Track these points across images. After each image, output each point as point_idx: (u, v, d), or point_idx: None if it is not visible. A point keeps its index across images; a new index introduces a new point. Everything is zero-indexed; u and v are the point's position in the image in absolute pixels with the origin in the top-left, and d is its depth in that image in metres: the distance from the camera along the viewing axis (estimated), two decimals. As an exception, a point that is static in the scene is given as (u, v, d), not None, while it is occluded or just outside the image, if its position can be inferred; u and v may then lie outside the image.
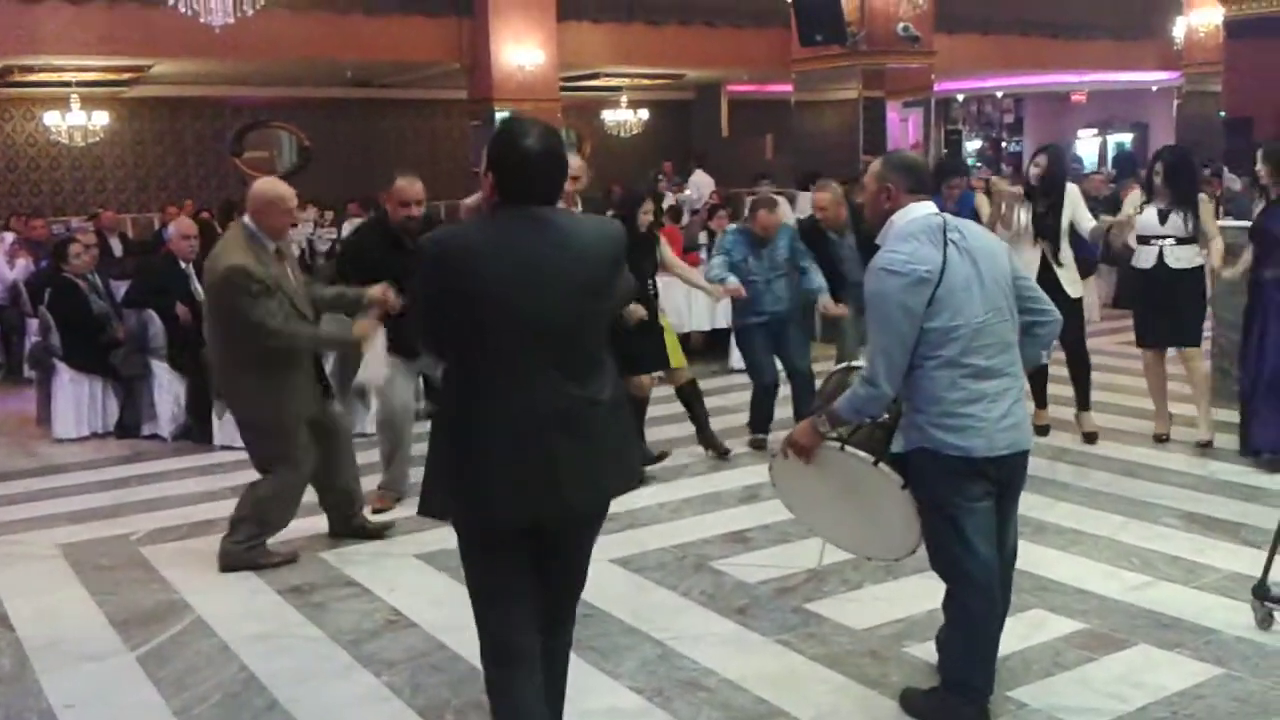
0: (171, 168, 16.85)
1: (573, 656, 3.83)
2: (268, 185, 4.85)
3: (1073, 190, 6.32)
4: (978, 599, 3.27)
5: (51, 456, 7.08)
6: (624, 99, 18.58)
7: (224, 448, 6.95)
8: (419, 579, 4.74)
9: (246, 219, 4.77)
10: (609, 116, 18.75)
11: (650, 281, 6.20)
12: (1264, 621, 3.91)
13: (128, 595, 4.63)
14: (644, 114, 18.75)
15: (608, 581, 4.56)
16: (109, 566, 4.99)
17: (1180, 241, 6.12)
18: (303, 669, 3.91)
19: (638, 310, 5.75)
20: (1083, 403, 6.55)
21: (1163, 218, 6.14)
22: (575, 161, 5.83)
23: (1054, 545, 4.84)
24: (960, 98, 24.26)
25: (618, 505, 5.47)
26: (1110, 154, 23.59)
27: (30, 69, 14.09)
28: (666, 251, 6.47)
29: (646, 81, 17.94)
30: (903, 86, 11.31)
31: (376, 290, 4.86)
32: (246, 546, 4.86)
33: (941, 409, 3.15)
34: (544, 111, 15.35)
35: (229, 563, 4.84)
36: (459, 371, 2.75)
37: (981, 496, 3.23)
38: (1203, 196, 6.29)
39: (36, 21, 12.55)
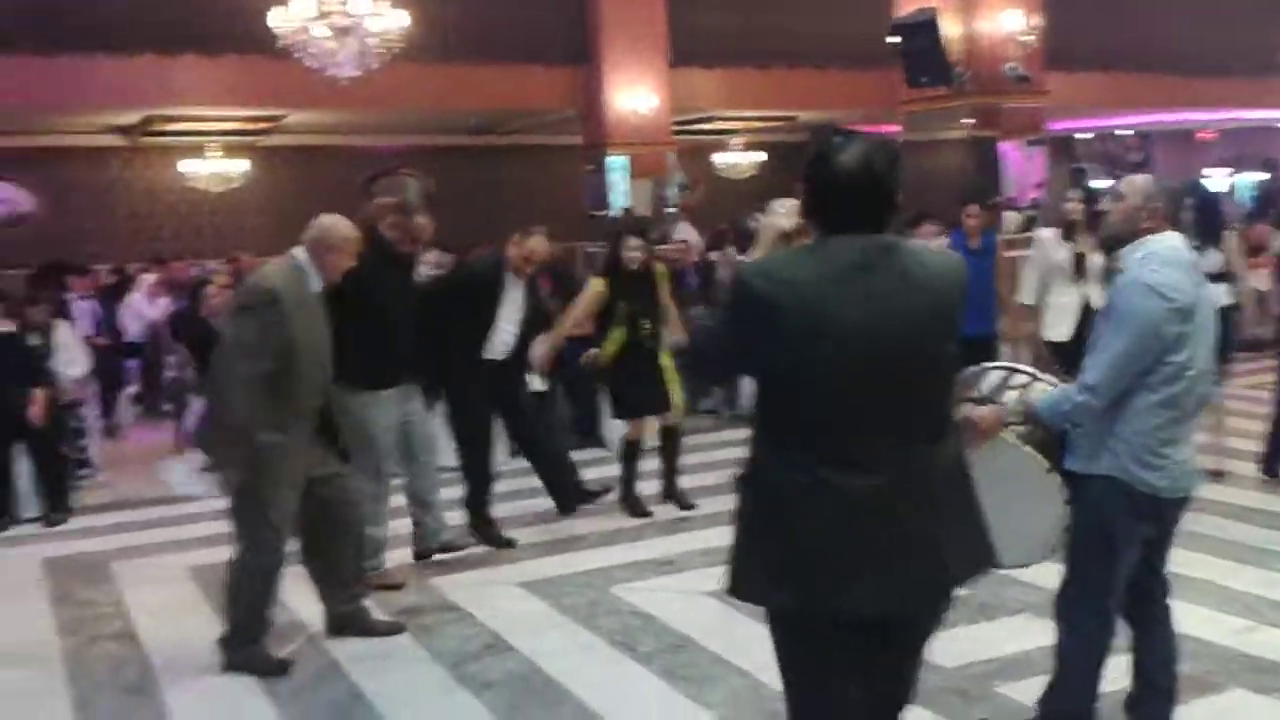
0: (305, 213, 17.57)
1: (661, 682, 3.97)
2: (341, 222, 4.46)
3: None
4: (1103, 633, 3.28)
5: (186, 485, 7.47)
6: (737, 142, 18.77)
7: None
8: (520, 606, 4.91)
9: (300, 250, 4.35)
10: (722, 159, 18.95)
11: (645, 320, 6.10)
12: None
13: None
14: (757, 156, 18.90)
15: (700, 613, 4.68)
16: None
17: (1210, 279, 6.06)
18: (407, 688, 4.10)
19: (594, 356, 5.95)
20: None
21: None
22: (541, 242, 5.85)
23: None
24: (1084, 136, 23.85)
25: (713, 540, 5.66)
26: (1240, 192, 22.89)
27: (170, 119, 14.93)
28: (663, 294, 6.29)
29: (759, 124, 18.11)
30: (1015, 126, 11.24)
31: None
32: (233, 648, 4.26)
33: (1145, 444, 3.12)
34: (656, 155, 15.71)
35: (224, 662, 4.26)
36: (776, 425, 2.38)
37: (1145, 538, 3.23)
38: (1231, 234, 6.28)
39: (174, 74, 13.33)
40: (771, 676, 4.01)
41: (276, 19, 10.65)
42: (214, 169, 16.22)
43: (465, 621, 4.73)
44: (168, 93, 13.56)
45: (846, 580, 2.28)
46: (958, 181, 10.36)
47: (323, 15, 10.50)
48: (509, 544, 5.70)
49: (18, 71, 12.51)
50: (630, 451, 6.30)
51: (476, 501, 5.74)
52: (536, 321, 5.97)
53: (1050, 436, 3.28)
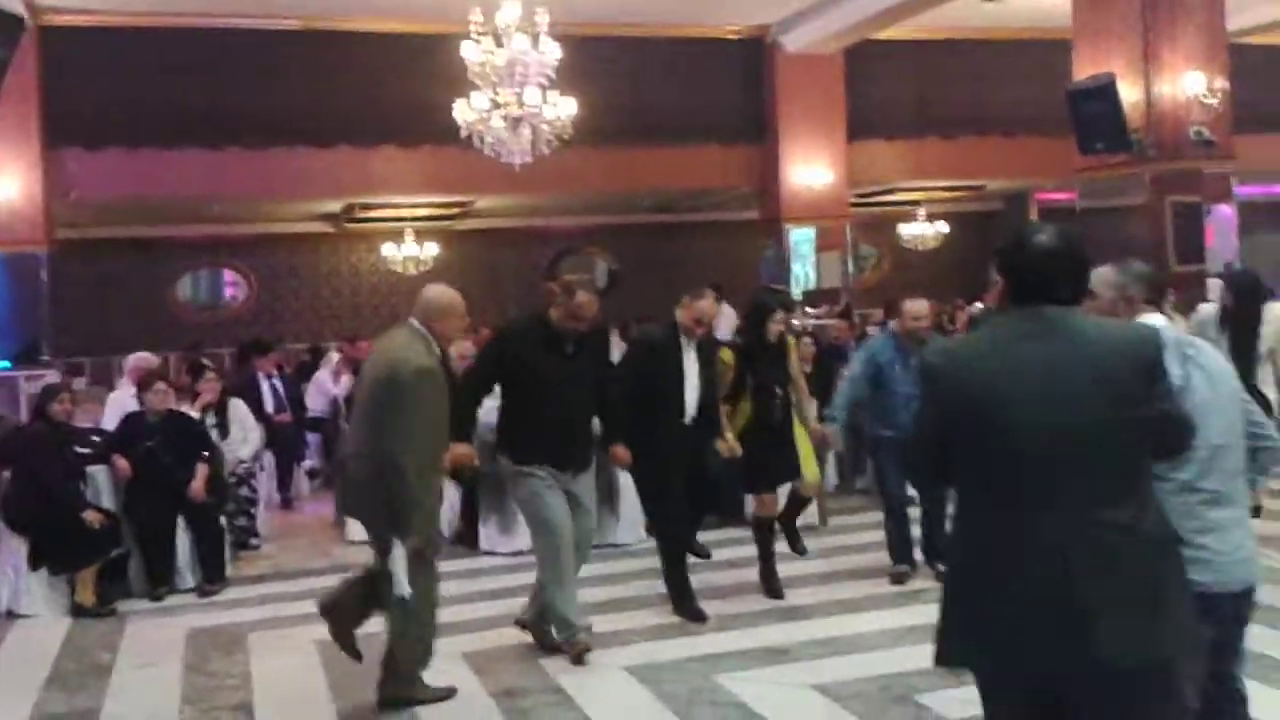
0: (490, 288, 18.30)
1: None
2: (446, 290, 4.78)
3: (1272, 311, 5.97)
4: None
5: (343, 556, 7.74)
6: (921, 212, 18.43)
7: (487, 553, 7.41)
8: (623, 690, 4.84)
9: (415, 322, 4.66)
10: (906, 230, 18.62)
11: (779, 390, 6.12)
12: None
13: (359, 690, 4.92)
14: (942, 226, 18.49)
15: (798, 707, 4.51)
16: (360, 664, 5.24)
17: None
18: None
19: (728, 447, 5.88)
20: None
21: None
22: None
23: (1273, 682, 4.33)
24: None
25: (832, 629, 5.46)
26: None
27: (369, 206, 15.84)
28: (795, 364, 6.35)
29: (944, 194, 17.74)
30: (1202, 192, 10.62)
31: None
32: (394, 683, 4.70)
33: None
34: (836, 228, 15.58)
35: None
36: (971, 501, 2.57)
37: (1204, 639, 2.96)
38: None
39: (372, 165, 14.18)
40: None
41: (460, 111, 11.19)
42: (409, 252, 17.07)
43: (565, 705, 4.69)
44: (367, 183, 14.43)
45: (1022, 641, 2.38)
46: (1144, 250, 9.81)
47: (498, 106, 10.96)
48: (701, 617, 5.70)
49: (230, 165, 13.58)
50: (760, 526, 6.17)
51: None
52: (714, 383, 5.98)
53: None
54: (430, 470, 4.60)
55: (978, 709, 4.30)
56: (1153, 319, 3.16)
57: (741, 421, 6.09)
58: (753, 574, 6.10)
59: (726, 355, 6.15)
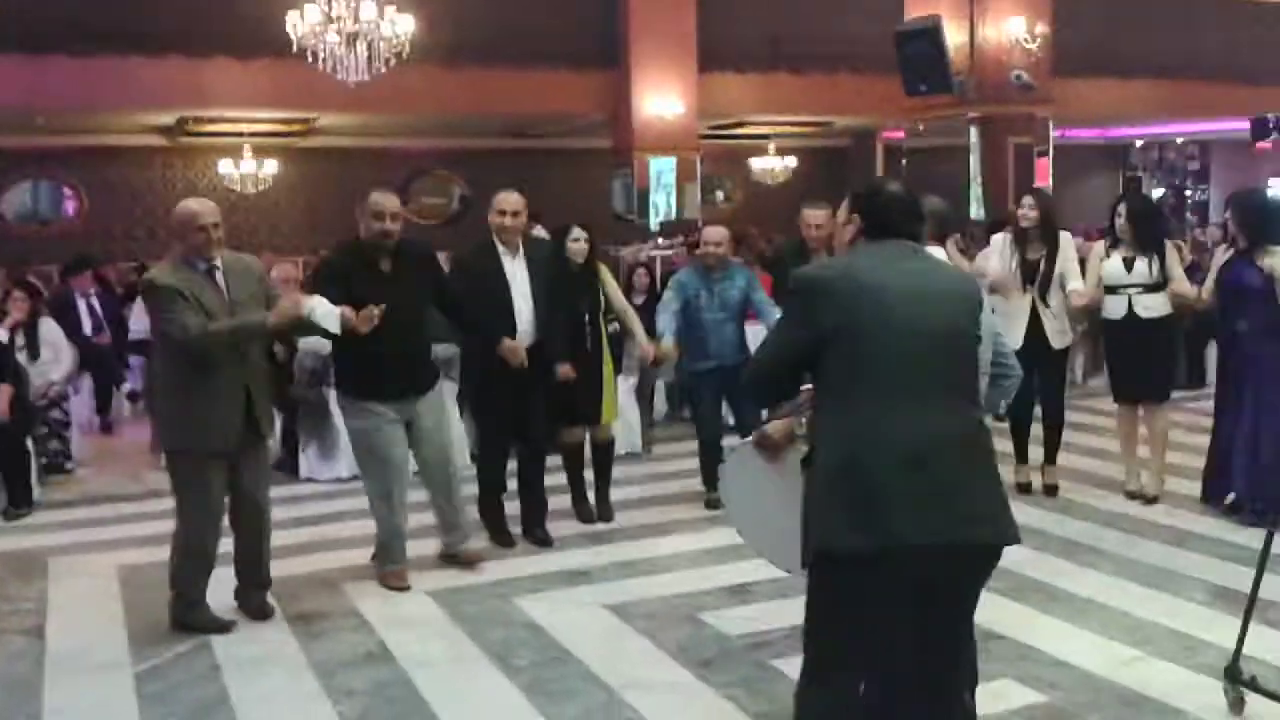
0: (337, 213, 17.87)
1: (521, 696, 3.97)
2: (182, 204, 4.67)
3: (1065, 239, 6.25)
4: None
5: (157, 482, 7.54)
6: (771, 147, 18.66)
7: (308, 480, 7.38)
8: (420, 612, 4.92)
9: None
10: (757, 164, 18.85)
11: (588, 321, 5.93)
12: (1235, 705, 3.68)
13: (154, 615, 4.88)
14: (791, 161, 18.77)
15: (589, 625, 4.68)
16: (155, 587, 5.19)
17: (1147, 289, 6.01)
18: (275, 692, 4.15)
19: (564, 370, 5.68)
20: (1049, 457, 6.46)
21: (1129, 265, 6.04)
22: (513, 197, 5.62)
23: (1059, 614, 4.67)
24: (1138, 144, 23.30)
25: (633, 551, 5.63)
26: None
27: (203, 120, 15.26)
28: (611, 288, 6.13)
29: (794, 129, 17.98)
30: (1021, 133, 11.03)
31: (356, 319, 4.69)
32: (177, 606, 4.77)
33: None
34: (683, 160, 15.67)
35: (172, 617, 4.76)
36: (845, 406, 2.69)
37: None
38: (1171, 242, 6.25)
39: (206, 76, 13.63)
40: (632, 695, 4.02)
41: (292, 24, 10.85)
42: (248, 169, 16.55)
43: (360, 629, 4.76)
44: (200, 95, 13.89)
45: (915, 516, 2.57)
46: (958, 188, 10.18)
47: (331, 21, 10.66)
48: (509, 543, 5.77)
49: (51, 72, 12.89)
50: (565, 454, 6.16)
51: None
52: (555, 298, 5.76)
53: None
54: (204, 377, 4.53)
55: (753, 626, 4.60)
56: (935, 251, 3.44)
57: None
58: (556, 501, 6.15)
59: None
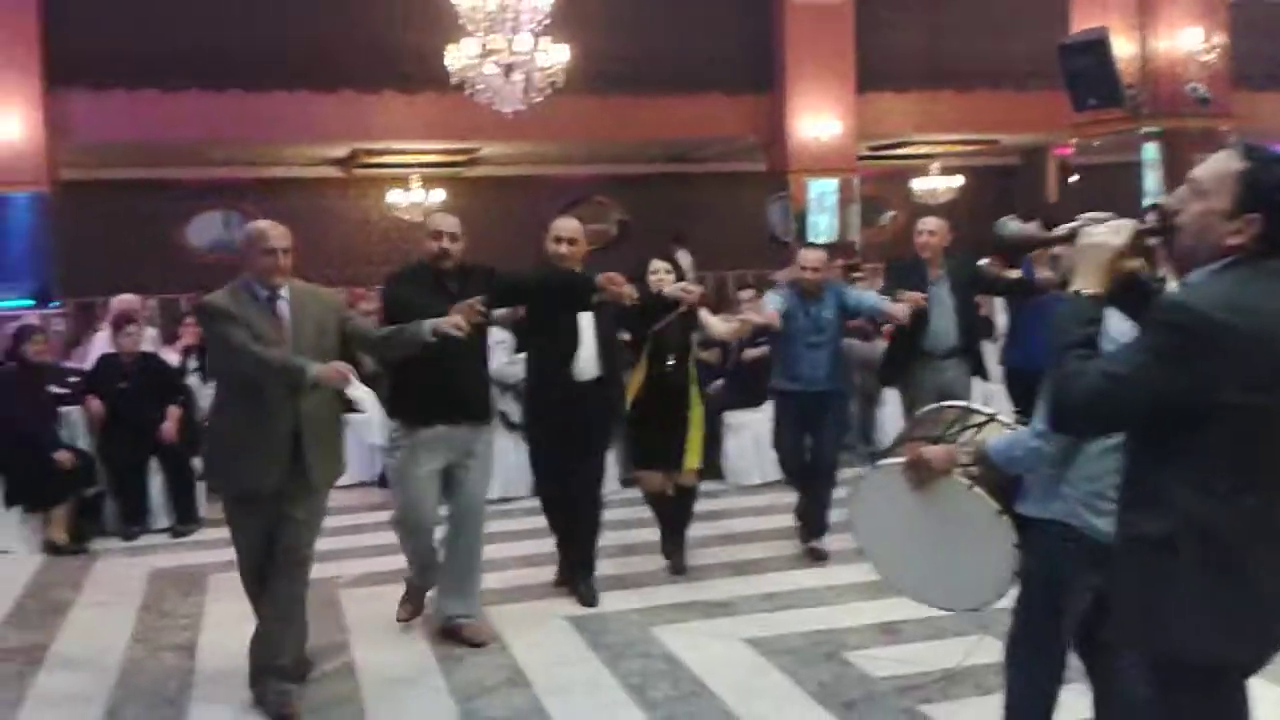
0: (500, 240, 18.26)
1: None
2: (252, 224, 4.40)
3: None
4: (1052, 680, 3.12)
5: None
6: (935, 166, 18.20)
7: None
8: (559, 639, 4.88)
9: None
10: (918, 185, 18.41)
11: (675, 361, 5.45)
12: None
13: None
14: (957, 180, 18.26)
15: (728, 659, 4.55)
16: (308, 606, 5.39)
17: None
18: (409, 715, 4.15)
19: (626, 290, 4.82)
20: None
21: None
22: (572, 224, 5.36)
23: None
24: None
25: (776, 583, 5.47)
26: None
27: (373, 152, 15.82)
28: (704, 314, 5.64)
29: (959, 148, 17.49)
30: (1207, 149, 10.41)
31: (445, 322, 4.26)
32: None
33: (1095, 489, 2.88)
34: (845, 182, 15.42)
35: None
36: (1220, 472, 2.17)
37: (1096, 585, 2.89)
38: None
39: (375, 110, 14.14)
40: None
41: (450, 57, 11.11)
42: (415, 199, 17.05)
43: (498, 652, 4.74)
44: (368, 129, 14.41)
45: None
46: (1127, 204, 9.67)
47: (488, 53, 10.87)
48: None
49: (229, 107, 13.58)
50: (650, 499, 5.81)
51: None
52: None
53: (1002, 479, 3.06)
54: (248, 415, 4.18)
55: (901, 668, 4.39)
56: None
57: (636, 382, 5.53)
58: (704, 529, 6.03)
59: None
